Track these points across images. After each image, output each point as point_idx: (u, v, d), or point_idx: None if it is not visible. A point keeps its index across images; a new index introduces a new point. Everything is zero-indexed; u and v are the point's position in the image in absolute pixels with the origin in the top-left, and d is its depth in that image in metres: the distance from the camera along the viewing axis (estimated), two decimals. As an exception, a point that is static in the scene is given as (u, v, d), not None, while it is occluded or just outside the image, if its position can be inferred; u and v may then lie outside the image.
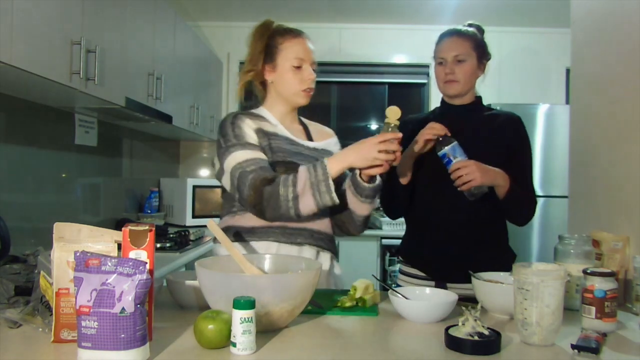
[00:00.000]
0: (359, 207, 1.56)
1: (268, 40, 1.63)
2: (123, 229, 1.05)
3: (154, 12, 2.80)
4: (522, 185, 1.66)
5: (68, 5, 1.89)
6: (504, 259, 1.70)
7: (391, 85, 4.66)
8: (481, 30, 1.79)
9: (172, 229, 3.17)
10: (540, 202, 3.84)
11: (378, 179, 1.51)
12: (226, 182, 1.53)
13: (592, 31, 2.02)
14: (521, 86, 4.25)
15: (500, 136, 1.70)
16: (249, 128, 1.56)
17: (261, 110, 1.65)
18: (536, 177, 3.78)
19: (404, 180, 1.68)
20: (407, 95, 4.71)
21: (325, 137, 1.73)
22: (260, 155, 1.52)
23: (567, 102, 3.89)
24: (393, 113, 1.43)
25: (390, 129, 1.42)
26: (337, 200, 1.41)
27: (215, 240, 1.62)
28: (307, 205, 1.41)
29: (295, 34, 1.63)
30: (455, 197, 1.62)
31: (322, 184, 1.39)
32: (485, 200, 1.61)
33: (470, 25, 1.79)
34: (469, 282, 1.48)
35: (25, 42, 1.63)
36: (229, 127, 1.56)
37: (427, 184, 1.72)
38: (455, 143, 1.58)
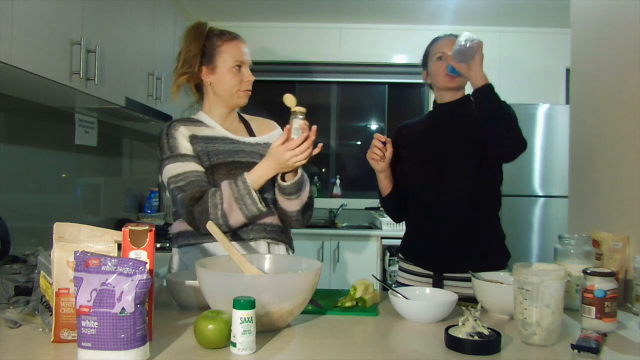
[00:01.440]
0: (286, 204, 1.57)
1: (205, 42, 1.63)
2: (123, 229, 1.05)
3: (154, 12, 2.80)
4: None
5: (68, 5, 1.89)
6: (498, 252, 1.75)
7: (391, 85, 4.66)
8: None
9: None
10: (540, 202, 3.89)
11: (299, 174, 1.51)
12: (168, 194, 1.59)
13: (592, 31, 2.02)
14: (521, 86, 4.25)
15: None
16: (182, 137, 1.57)
17: (199, 115, 1.67)
18: (536, 177, 3.79)
19: (384, 193, 1.81)
20: (407, 95, 4.71)
21: (267, 131, 1.73)
22: (192, 166, 1.53)
23: (567, 102, 3.89)
24: (290, 100, 1.45)
25: (295, 118, 1.43)
26: (264, 209, 1.47)
27: (175, 245, 1.64)
28: (237, 219, 1.46)
29: (233, 36, 1.65)
30: (449, 191, 1.71)
31: (247, 197, 1.44)
32: (479, 188, 1.69)
33: None
34: (465, 272, 1.54)
35: (25, 42, 1.63)
36: (163, 138, 1.58)
37: (420, 182, 1.77)
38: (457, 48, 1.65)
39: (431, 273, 1.75)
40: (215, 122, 1.65)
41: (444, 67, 1.73)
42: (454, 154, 1.72)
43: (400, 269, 1.86)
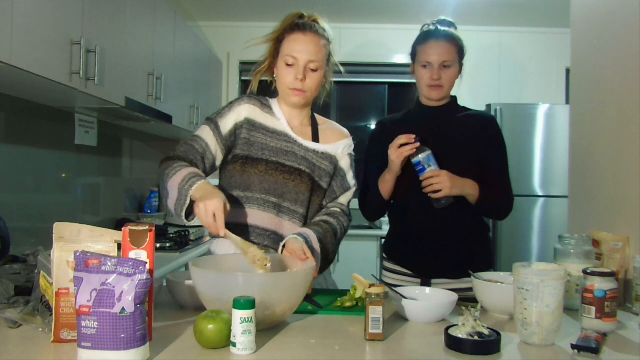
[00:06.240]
0: None
1: (279, 34, 1.57)
2: (123, 229, 1.05)
3: (154, 12, 2.80)
4: (498, 183, 1.70)
5: (68, 5, 1.88)
6: (483, 252, 1.76)
7: (391, 85, 4.66)
8: (456, 28, 1.80)
9: (172, 229, 3.17)
10: (540, 202, 3.88)
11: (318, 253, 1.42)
12: None
13: (592, 31, 2.02)
14: (521, 86, 4.25)
15: (472, 135, 1.72)
16: (236, 113, 1.56)
17: (273, 102, 1.63)
18: (536, 177, 3.79)
19: (387, 196, 1.73)
20: (407, 95, 4.69)
21: (333, 140, 1.63)
22: (209, 136, 1.55)
23: (567, 102, 3.89)
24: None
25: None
26: (185, 221, 1.44)
27: (212, 236, 1.61)
28: (170, 204, 1.44)
29: (301, 29, 1.54)
30: (430, 199, 1.66)
31: (182, 196, 1.38)
32: (461, 199, 1.65)
33: (443, 22, 1.79)
34: (453, 277, 1.60)
35: (25, 42, 1.63)
36: (229, 103, 1.61)
37: (406, 184, 1.71)
38: (429, 153, 1.62)
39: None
40: (282, 115, 1.60)
41: (427, 76, 1.69)
42: (447, 157, 1.66)
43: (385, 268, 1.84)
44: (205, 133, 1.56)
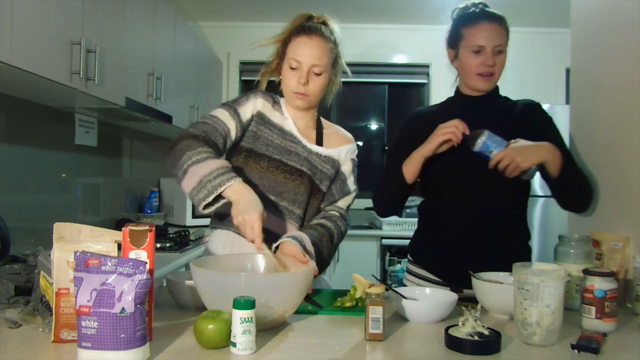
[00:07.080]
0: None
1: (286, 36, 1.57)
2: (123, 229, 1.05)
3: (154, 12, 2.80)
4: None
5: (68, 5, 1.89)
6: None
7: (391, 85, 4.67)
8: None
9: (172, 229, 3.17)
10: (540, 202, 3.88)
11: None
12: None
13: (592, 31, 2.01)
14: (521, 86, 4.23)
15: (519, 125, 1.57)
16: (253, 104, 1.56)
17: (282, 101, 1.62)
18: (536, 177, 3.76)
19: (410, 180, 1.56)
20: (407, 95, 4.71)
21: (335, 144, 1.63)
22: (226, 119, 1.52)
23: (567, 102, 3.89)
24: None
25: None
26: (201, 212, 1.40)
27: (212, 223, 1.62)
28: (185, 187, 1.40)
29: (306, 32, 1.53)
30: (476, 200, 1.55)
31: (205, 190, 1.34)
32: (508, 202, 1.57)
33: (485, 5, 1.62)
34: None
35: (25, 42, 1.63)
36: (244, 94, 1.60)
37: (439, 179, 1.59)
38: (485, 137, 1.46)
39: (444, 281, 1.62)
40: (289, 114, 1.60)
41: (479, 62, 1.51)
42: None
43: (409, 271, 1.73)
44: (226, 118, 1.53)
